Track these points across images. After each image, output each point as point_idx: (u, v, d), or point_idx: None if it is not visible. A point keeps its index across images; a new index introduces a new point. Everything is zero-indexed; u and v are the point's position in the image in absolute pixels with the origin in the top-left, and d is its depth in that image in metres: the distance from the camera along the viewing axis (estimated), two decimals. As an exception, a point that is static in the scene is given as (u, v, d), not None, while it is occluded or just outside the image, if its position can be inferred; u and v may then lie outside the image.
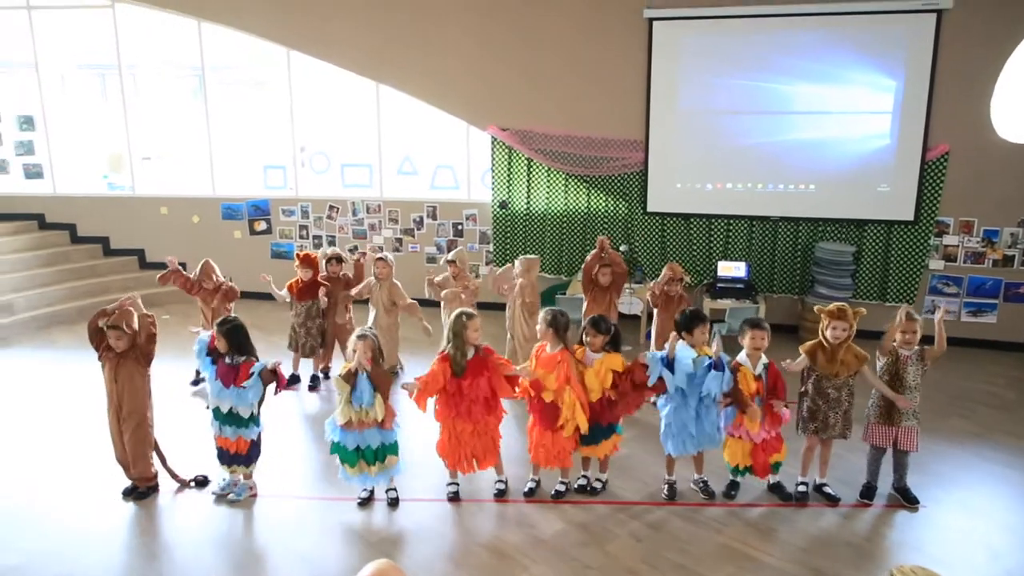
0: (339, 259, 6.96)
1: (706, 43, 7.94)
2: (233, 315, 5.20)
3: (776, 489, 4.92)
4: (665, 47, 8.03)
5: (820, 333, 4.72)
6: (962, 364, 7.32)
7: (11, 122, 9.87)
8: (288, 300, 6.87)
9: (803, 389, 4.80)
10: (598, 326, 4.70)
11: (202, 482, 5.10)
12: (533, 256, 6.84)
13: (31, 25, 9.44)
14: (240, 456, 4.87)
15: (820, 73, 7.71)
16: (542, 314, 4.81)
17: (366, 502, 4.83)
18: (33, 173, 9.98)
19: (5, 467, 5.40)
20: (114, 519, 4.73)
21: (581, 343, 4.79)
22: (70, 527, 4.62)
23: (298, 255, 6.85)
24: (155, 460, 5.02)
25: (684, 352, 4.59)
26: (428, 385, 4.56)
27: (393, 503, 4.83)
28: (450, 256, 6.88)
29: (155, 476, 5.01)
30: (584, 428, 4.62)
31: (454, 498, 4.89)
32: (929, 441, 5.52)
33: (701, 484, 4.94)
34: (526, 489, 4.94)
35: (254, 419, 4.82)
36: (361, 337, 4.61)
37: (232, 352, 4.78)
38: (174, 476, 5.08)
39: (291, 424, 6.15)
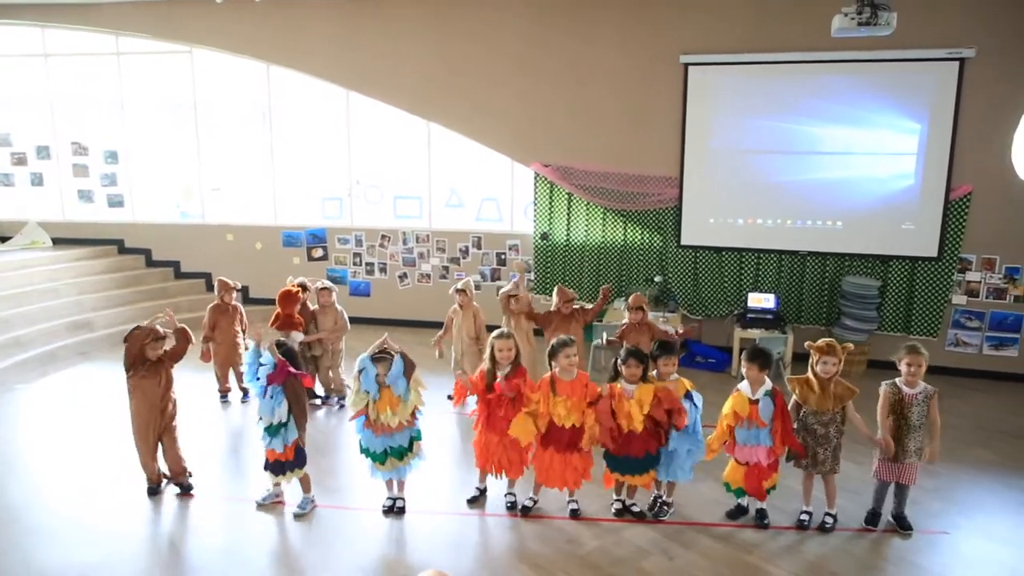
0: (304, 287, 6.97)
1: (738, 87, 8.02)
2: (285, 339, 5.40)
3: (760, 515, 4.84)
4: (699, 90, 8.13)
5: (810, 368, 4.66)
6: (985, 396, 7.25)
7: (98, 156, 10.30)
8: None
9: (794, 426, 4.68)
10: (640, 357, 4.62)
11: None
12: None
13: (119, 69, 9.89)
14: (289, 462, 4.83)
15: (847, 116, 7.73)
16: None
17: (390, 510, 4.90)
18: (115, 202, 10.39)
19: (80, 472, 5.59)
20: (176, 525, 4.89)
21: (616, 376, 4.70)
22: (139, 529, 4.79)
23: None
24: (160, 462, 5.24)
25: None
26: (466, 388, 4.87)
27: (400, 511, 4.90)
28: (459, 285, 6.83)
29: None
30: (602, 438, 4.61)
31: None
32: (953, 470, 5.53)
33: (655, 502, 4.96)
34: (525, 504, 4.98)
35: (286, 425, 4.79)
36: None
37: None
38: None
39: (326, 439, 6.28)
